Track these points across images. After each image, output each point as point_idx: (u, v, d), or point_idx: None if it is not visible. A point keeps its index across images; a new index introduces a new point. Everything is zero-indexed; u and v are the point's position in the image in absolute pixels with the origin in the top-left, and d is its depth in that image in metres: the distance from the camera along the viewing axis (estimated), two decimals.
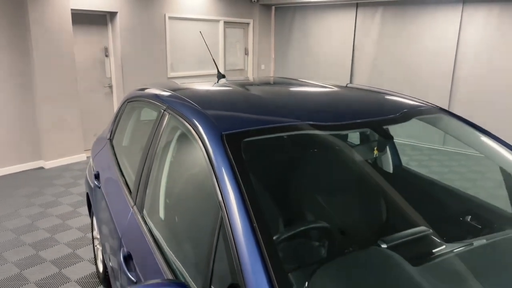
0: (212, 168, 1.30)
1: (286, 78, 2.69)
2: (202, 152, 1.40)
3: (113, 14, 6.07)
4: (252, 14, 8.21)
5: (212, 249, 1.22)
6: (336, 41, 7.70)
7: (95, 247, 3.00)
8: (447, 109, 6.42)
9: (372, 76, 7.37)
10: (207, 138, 1.41)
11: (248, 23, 8.25)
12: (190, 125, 1.54)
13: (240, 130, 1.43)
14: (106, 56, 6.33)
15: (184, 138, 1.64)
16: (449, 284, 1.25)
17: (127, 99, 2.54)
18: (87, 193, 2.98)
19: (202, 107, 1.62)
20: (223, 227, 1.17)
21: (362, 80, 7.49)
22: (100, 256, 2.86)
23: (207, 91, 2.06)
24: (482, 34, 6.13)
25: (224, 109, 1.65)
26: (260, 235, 1.09)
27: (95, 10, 5.76)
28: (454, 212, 1.96)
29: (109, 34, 6.22)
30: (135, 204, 1.84)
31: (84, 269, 3.12)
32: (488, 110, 6.26)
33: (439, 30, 6.50)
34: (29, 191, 4.63)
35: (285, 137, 1.80)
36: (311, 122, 1.55)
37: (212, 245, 1.22)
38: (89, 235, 3.64)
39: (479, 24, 6.15)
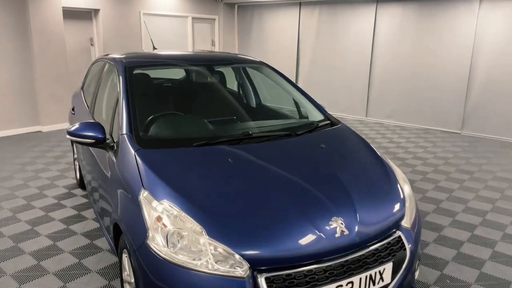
0: (119, 80, 2.82)
1: (202, 50, 4.22)
2: (117, 76, 2.92)
3: (96, 11, 7.59)
4: (217, 11, 9.72)
5: (113, 113, 2.74)
6: (285, 34, 9.23)
7: (75, 165, 4.53)
8: (367, 85, 7.97)
9: (312, 62, 8.91)
10: (120, 69, 2.93)
11: (214, 19, 9.77)
12: (115, 65, 3.06)
13: (134, 65, 2.96)
14: (92, 45, 7.84)
15: (112, 72, 3.16)
16: (227, 128, 2.78)
17: (93, 62, 4.08)
18: None
19: (124, 58, 3.14)
20: (119, 102, 2.69)
21: (305, 65, 9.03)
22: (77, 168, 4.38)
23: (137, 53, 3.56)
24: (392, 27, 7.68)
25: (135, 58, 3.18)
26: (130, 104, 2.60)
27: (82, 7, 7.28)
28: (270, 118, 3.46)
29: (94, 27, 7.73)
30: (90, 112, 3.38)
31: (68, 182, 4.65)
32: (398, 86, 7.80)
33: (359, 25, 8.04)
34: (30, 144, 6.16)
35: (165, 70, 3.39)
36: (178, 63, 3.10)
37: (114, 111, 2.75)
38: (73, 167, 5.16)
39: (389, 20, 7.69)
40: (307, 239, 1.87)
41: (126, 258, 2.21)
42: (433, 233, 3.54)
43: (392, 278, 2.05)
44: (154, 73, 3.32)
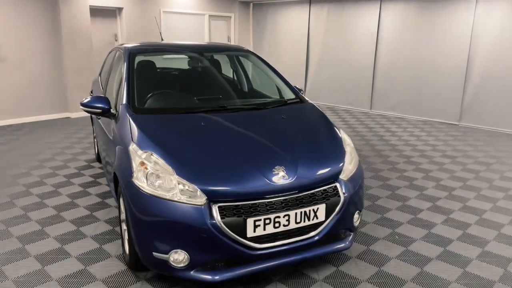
0: (123, 64, 3.44)
1: (212, 43, 4.80)
2: (123, 60, 3.54)
3: (120, 9, 8.33)
4: (233, 9, 10.32)
5: (118, 90, 3.35)
6: (296, 31, 9.73)
7: (94, 142, 5.21)
8: (372, 80, 8.36)
9: (321, 58, 9.37)
10: (125, 54, 3.55)
11: (230, 17, 10.37)
12: (123, 52, 3.69)
13: (137, 51, 3.58)
14: (116, 40, 8.59)
15: (121, 58, 3.78)
16: (210, 102, 3.35)
17: (109, 52, 4.74)
18: None
19: (130, 46, 3.76)
20: (122, 82, 3.30)
21: (314, 60, 9.50)
22: (96, 144, 5.06)
23: (143, 43, 4.19)
24: (394, 23, 8.05)
25: (140, 46, 3.79)
26: (130, 82, 3.21)
27: (107, 6, 8.03)
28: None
29: (118, 24, 8.49)
30: (103, 93, 4.03)
31: (89, 157, 5.35)
32: (400, 80, 8.16)
33: (365, 22, 8.45)
34: (59, 127, 6.95)
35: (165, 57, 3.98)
36: (175, 50, 3.70)
37: (118, 89, 3.36)
38: (93, 145, 5.87)
39: (392, 17, 8.06)
40: (252, 181, 2.40)
41: (122, 202, 2.81)
42: (397, 202, 3.99)
43: (327, 218, 2.55)
44: (157, 62, 3.93)
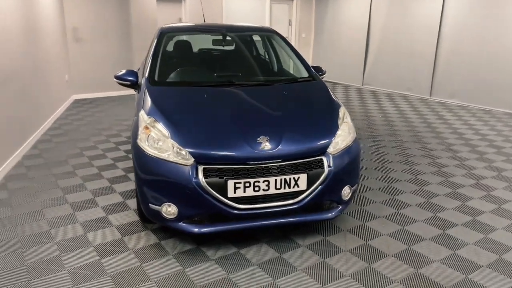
0: (154, 41, 3.84)
1: (240, 23, 5.07)
2: (156, 37, 3.93)
3: None
4: None
5: (142, 68, 3.76)
6: (357, 15, 9.53)
7: None
8: (433, 65, 8.01)
9: (381, 41, 9.10)
10: (158, 33, 3.95)
11: (292, 0, 10.44)
12: (157, 31, 4.09)
13: (168, 31, 3.95)
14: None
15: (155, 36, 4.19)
16: (226, 78, 3.62)
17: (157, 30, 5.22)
18: None
19: (164, 26, 4.15)
20: (149, 57, 3.70)
21: (375, 44, 9.26)
22: None
23: (180, 24, 4.56)
24: (460, 7, 7.55)
25: (172, 26, 4.16)
26: (154, 58, 3.59)
27: None
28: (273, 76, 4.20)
29: (182, 8, 9.05)
30: (143, 68, 4.50)
31: None
32: (464, 66, 7.68)
33: (428, 5, 8.02)
34: (124, 102, 7.72)
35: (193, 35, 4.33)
36: (204, 29, 4.02)
37: (143, 66, 3.76)
38: None
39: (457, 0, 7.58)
40: (236, 147, 2.64)
41: None
42: (415, 186, 3.94)
43: (308, 188, 2.71)
44: (194, 42, 4.28)
